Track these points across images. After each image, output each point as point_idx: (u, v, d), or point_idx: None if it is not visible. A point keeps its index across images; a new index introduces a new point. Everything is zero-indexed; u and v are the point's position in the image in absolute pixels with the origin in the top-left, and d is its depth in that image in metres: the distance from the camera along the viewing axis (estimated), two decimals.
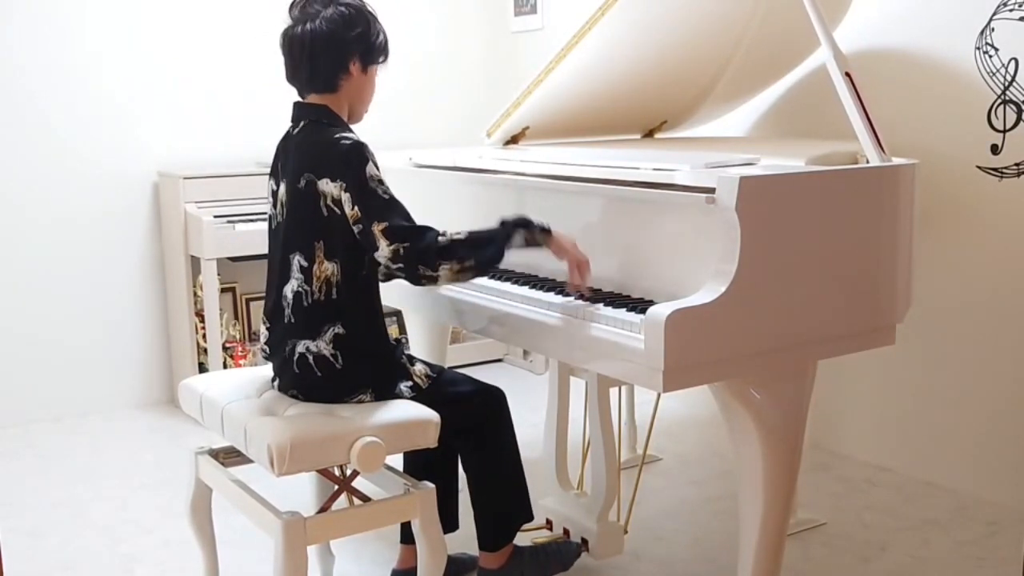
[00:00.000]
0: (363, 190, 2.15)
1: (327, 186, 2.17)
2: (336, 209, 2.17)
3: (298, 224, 2.23)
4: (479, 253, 2.17)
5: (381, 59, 2.35)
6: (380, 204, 2.15)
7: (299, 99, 2.33)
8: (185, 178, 3.99)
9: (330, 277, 2.20)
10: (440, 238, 2.15)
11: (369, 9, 2.32)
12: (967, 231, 3.08)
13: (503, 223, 2.23)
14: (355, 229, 2.16)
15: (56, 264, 4.04)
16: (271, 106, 4.28)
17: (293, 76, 2.31)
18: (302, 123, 2.29)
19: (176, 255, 4.09)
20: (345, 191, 2.15)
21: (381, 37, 2.33)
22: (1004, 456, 3.04)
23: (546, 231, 2.24)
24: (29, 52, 3.90)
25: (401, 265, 2.14)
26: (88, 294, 4.11)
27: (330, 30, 2.24)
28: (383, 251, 2.14)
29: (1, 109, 3.88)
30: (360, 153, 2.17)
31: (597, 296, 2.20)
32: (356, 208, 2.15)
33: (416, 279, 2.16)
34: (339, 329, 2.21)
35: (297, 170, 2.22)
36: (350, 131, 2.26)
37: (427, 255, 2.12)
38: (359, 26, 2.26)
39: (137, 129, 4.13)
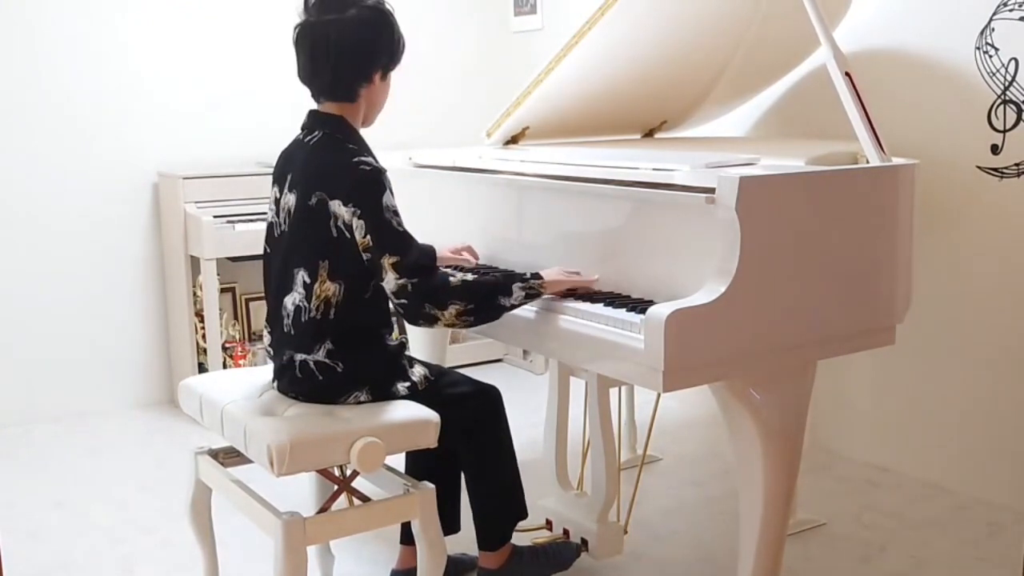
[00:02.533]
0: (378, 220, 2.11)
1: (339, 208, 2.12)
2: (346, 232, 2.13)
3: (304, 240, 2.19)
4: (483, 300, 2.14)
5: (399, 62, 2.29)
6: (394, 236, 2.11)
7: (314, 106, 2.27)
8: (185, 178, 3.99)
9: (330, 298, 2.17)
10: (451, 278, 2.13)
11: (388, 8, 2.24)
12: (967, 231, 3.07)
13: (497, 275, 2.21)
14: (364, 256, 2.13)
15: (56, 264, 4.04)
16: (271, 106, 4.29)
17: (310, 79, 2.23)
18: (316, 134, 2.23)
19: (176, 255, 4.09)
20: (358, 218, 2.11)
21: (403, 40, 2.26)
22: (1004, 456, 3.04)
23: (537, 276, 2.20)
24: (29, 54, 3.90)
25: (405, 301, 2.10)
26: (88, 294, 4.11)
27: (358, 37, 2.17)
28: (390, 283, 2.11)
29: (1, 110, 3.88)
30: (379, 181, 2.13)
31: (597, 296, 2.20)
32: (368, 237, 2.11)
33: (417, 316, 2.12)
34: (329, 345, 2.20)
35: (309, 186, 2.17)
36: (368, 153, 2.20)
37: (438, 294, 2.10)
38: (384, 32, 2.20)
39: (137, 129, 4.13)
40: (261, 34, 4.30)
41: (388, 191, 2.14)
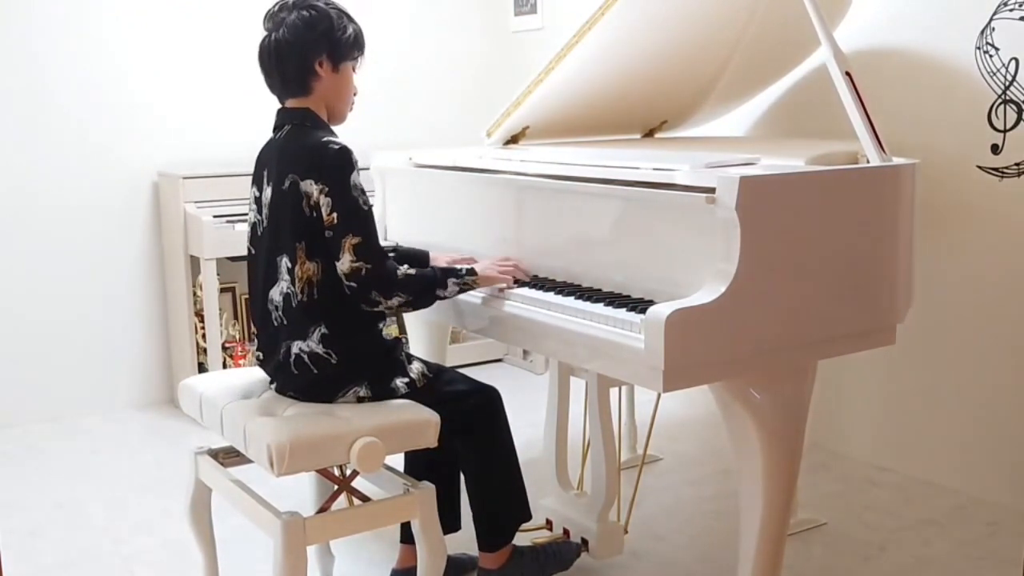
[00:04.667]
0: (344, 197, 2.17)
1: (310, 187, 2.17)
2: (315, 212, 2.18)
3: (282, 226, 2.23)
4: (421, 293, 2.25)
5: (355, 55, 2.34)
6: (359, 216, 2.18)
7: (281, 106, 2.34)
8: (185, 178, 3.99)
9: (311, 277, 2.20)
10: (399, 269, 2.21)
11: (335, 6, 2.31)
12: (967, 231, 3.07)
13: (436, 270, 2.32)
14: (327, 233, 2.18)
15: (56, 264, 4.04)
16: (271, 106, 4.26)
17: (269, 86, 2.33)
18: (286, 127, 2.29)
19: (176, 255, 4.09)
20: (325, 195, 2.16)
21: (349, 32, 2.31)
22: (1004, 456, 3.04)
23: (472, 272, 2.33)
24: (29, 53, 3.90)
25: (355, 285, 2.17)
26: (88, 294, 4.11)
27: (292, 35, 2.26)
28: (344, 264, 2.16)
29: (1, 110, 3.88)
30: (347, 159, 2.18)
31: (597, 296, 2.20)
32: (334, 214, 2.16)
33: (361, 301, 2.19)
34: (324, 329, 2.22)
35: (282, 171, 2.22)
36: (335, 135, 2.26)
37: (386, 283, 2.18)
38: (321, 26, 2.26)
39: (137, 129, 4.13)
40: (261, 34, 4.29)
41: (356, 171, 2.20)
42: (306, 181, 2.17)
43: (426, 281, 2.26)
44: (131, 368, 4.24)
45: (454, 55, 4.80)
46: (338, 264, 2.17)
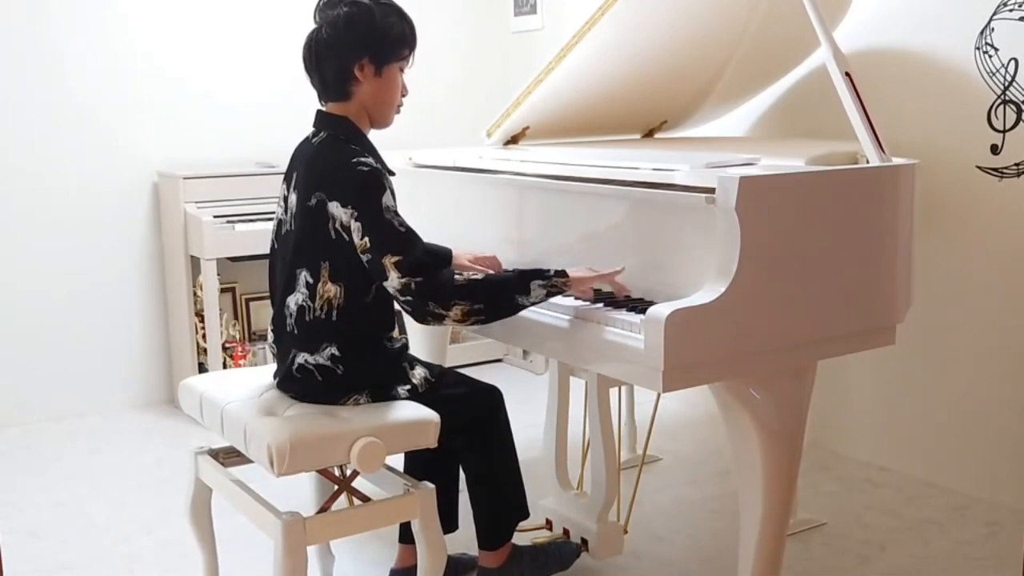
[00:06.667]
0: (377, 221, 2.08)
1: (337, 210, 2.10)
2: (344, 235, 2.12)
3: (306, 240, 2.18)
4: (492, 298, 2.09)
5: (403, 54, 2.22)
6: (395, 236, 2.09)
7: (321, 108, 2.26)
8: (185, 178, 3.99)
9: (332, 299, 2.16)
10: (456, 277, 2.09)
11: (382, 2, 2.19)
12: (967, 231, 3.07)
13: (518, 272, 2.15)
14: (364, 258, 2.11)
15: (56, 264, 4.04)
16: (271, 106, 4.29)
17: (312, 83, 2.24)
18: (322, 134, 2.22)
19: (176, 255, 4.09)
20: (356, 220, 2.09)
21: (396, 31, 2.18)
22: (1004, 456, 3.04)
23: (561, 274, 2.14)
24: (28, 53, 3.90)
25: (410, 299, 2.07)
26: (88, 294, 4.11)
27: (329, 35, 2.16)
28: (393, 282, 2.07)
29: (1, 110, 3.88)
30: (377, 182, 2.10)
31: (597, 296, 2.20)
32: (366, 239, 2.08)
33: (423, 315, 2.09)
34: (335, 350, 2.19)
35: (309, 186, 2.16)
36: (368, 153, 2.17)
37: (441, 292, 2.06)
38: (362, 26, 2.15)
39: (137, 129, 4.13)
40: (261, 34, 4.30)
41: (388, 191, 2.12)
42: (333, 203, 2.10)
43: (494, 287, 2.10)
44: (131, 368, 4.24)
45: (454, 55, 4.80)
46: (388, 284, 2.09)
